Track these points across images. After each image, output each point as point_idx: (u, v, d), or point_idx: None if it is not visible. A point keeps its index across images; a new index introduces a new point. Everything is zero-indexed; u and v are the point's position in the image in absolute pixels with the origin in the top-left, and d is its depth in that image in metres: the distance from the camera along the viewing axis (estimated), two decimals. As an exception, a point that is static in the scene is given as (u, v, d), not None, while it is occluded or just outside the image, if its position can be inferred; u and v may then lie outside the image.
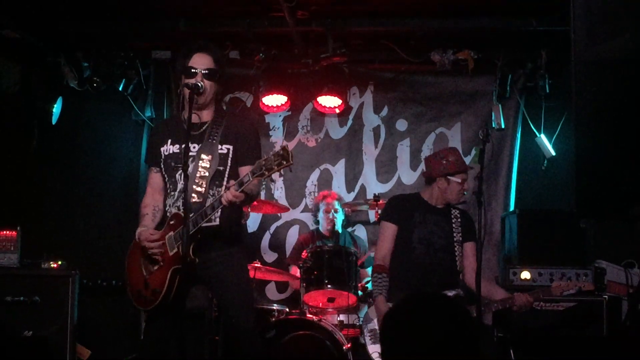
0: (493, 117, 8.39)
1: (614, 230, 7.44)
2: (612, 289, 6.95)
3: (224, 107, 5.56)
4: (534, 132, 8.50)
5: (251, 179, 4.72)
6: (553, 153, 8.39)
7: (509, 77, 8.40)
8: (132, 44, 8.55)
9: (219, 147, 5.17)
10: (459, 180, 6.22)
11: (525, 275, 6.96)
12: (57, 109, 8.40)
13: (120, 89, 8.56)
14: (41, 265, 7.12)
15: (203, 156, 5.12)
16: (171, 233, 5.03)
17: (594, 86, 3.23)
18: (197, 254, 4.90)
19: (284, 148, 4.65)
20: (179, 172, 5.09)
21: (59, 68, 8.50)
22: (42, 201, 8.61)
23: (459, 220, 6.32)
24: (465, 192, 6.27)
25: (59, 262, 7.16)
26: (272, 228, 8.85)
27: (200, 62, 5.19)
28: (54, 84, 8.54)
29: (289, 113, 8.93)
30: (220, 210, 4.99)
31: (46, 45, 8.37)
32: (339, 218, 8.07)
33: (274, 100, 8.63)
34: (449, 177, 6.22)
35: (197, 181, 5.07)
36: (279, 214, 8.78)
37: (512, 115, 8.57)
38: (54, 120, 8.41)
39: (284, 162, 4.63)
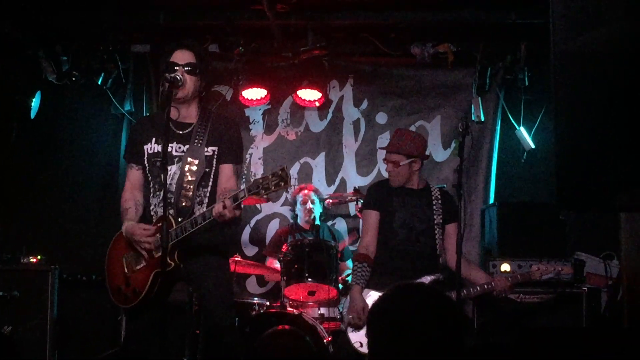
0: (472, 110, 8.38)
1: (594, 223, 7.47)
2: (592, 281, 7.00)
3: (212, 108, 5.49)
4: (514, 125, 8.52)
5: (246, 196, 4.71)
6: (532, 145, 8.41)
7: (489, 70, 8.43)
8: (111, 37, 8.47)
9: (205, 149, 5.14)
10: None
11: (505, 267, 6.99)
12: (35, 103, 8.34)
13: (99, 82, 8.50)
14: (20, 260, 7.11)
15: (190, 159, 5.10)
16: (158, 235, 4.98)
17: (573, 78, 3.24)
18: (182, 260, 4.91)
19: (282, 169, 4.64)
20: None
21: (37, 62, 8.42)
22: (21, 195, 8.53)
23: (440, 201, 6.33)
24: (389, 172, 6.35)
25: (39, 257, 7.14)
26: (253, 222, 8.83)
27: (181, 58, 5.15)
28: (32, 78, 8.48)
29: (269, 106, 8.90)
30: None
31: (25, 39, 8.29)
32: (317, 210, 8.08)
33: (254, 93, 8.60)
34: None
35: (184, 185, 5.06)
36: (259, 207, 8.78)
37: (492, 108, 8.57)
38: (32, 114, 8.34)
39: (282, 184, 4.62)
